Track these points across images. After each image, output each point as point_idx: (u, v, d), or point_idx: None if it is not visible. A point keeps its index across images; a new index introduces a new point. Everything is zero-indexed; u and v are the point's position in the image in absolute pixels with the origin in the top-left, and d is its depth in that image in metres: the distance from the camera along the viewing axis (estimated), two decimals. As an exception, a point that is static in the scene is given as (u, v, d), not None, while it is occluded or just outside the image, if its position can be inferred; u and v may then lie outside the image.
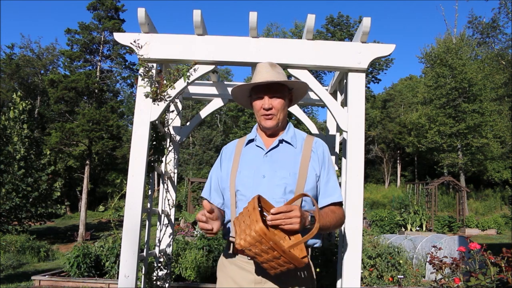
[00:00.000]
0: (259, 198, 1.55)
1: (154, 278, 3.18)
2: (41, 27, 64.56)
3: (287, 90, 1.85)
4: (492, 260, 2.48)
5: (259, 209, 1.55)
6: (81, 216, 18.75)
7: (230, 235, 1.77)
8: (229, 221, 1.79)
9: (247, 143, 1.87)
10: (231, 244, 1.74)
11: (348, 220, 2.44)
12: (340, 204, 1.78)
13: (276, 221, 1.47)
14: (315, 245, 1.74)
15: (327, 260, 3.69)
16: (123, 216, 2.59)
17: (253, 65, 2.97)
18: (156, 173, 3.29)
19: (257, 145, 1.83)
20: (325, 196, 1.75)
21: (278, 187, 1.69)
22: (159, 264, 3.28)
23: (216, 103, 3.51)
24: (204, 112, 3.54)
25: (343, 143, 2.74)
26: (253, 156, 1.80)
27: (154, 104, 2.67)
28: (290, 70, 2.68)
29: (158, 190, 3.60)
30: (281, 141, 1.81)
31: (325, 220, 1.64)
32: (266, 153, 1.79)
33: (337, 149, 3.61)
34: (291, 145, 1.80)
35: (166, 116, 3.44)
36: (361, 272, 3.70)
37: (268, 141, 1.83)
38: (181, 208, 18.53)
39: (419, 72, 50.97)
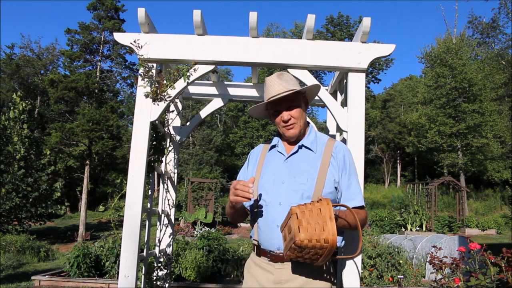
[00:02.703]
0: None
1: (154, 278, 3.18)
2: (41, 27, 64.61)
3: (301, 95, 1.89)
4: (492, 260, 2.48)
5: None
6: (81, 216, 18.74)
7: (253, 238, 1.85)
8: (253, 223, 1.87)
9: (270, 149, 1.92)
10: (255, 246, 1.84)
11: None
12: (362, 207, 1.80)
13: None
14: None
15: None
16: (123, 216, 2.59)
17: (253, 65, 2.97)
18: (156, 173, 3.29)
19: (278, 151, 1.88)
20: (347, 200, 1.78)
21: (296, 193, 1.74)
22: (159, 264, 3.28)
23: (216, 103, 3.51)
24: (204, 112, 3.54)
25: (343, 143, 2.73)
26: (275, 162, 1.86)
27: (154, 104, 2.67)
28: (290, 70, 2.68)
29: (158, 190, 3.60)
30: (300, 147, 1.85)
31: (348, 220, 1.68)
32: (286, 158, 1.83)
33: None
34: (311, 150, 1.83)
35: (166, 116, 3.44)
36: (361, 272, 3.69)
37: (289, 147, 1.88)
38: (181, 208, 18.52)
39: (419, 72, 51.03)
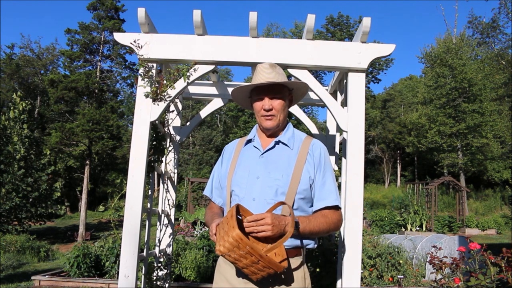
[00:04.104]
0: (238, 207, 1.62)
1: (154, 278, 3.18)
2: (41, 27, 64.64)
3: (287, 91, 1.86)
4: (492, 260, 2.48)
5: (240, 217, 1.63)
6: (81, 216, 18.75)
7: None
8: None
9: (246, 143, 1.88)
10: None
11: (348, 220, 2.43)
12: (335, 207, 1.75)
13: (250, 228, 1.53)
14: (307, 246, 1.75)
15: (327, 260, 3.68)
16: (123, 216, 2.59)
17: (253, 65, 2.97)
18: (156, 173, 3.29)
19: (254, 146, 1.84)
20: (319, 199, 1.74)
21: (270, 189, 1.70)
22: (159, 264, 3.28)
23: (216, 103, 3.51)
24: (204, 112, 3.54)
25: (343, 143, 2.73)
26: (250, 157, 1.82)
27: (154, 104, 2.67)
28: (290, 70, 2.68)
29: (158, 190, 3.60)
30: (277, 142, 1.81)
31: (312, 225, 1.65)
32: (262, 154, 1.80)
33: (337, 149, 3.61)
34: (288, 146, 1.80)
35: (166, 116, 3.44)
36: (361, 272, 3.69)
37: (265, 142, 1.84)
38: (181, 208, 18.52)
39: (419, 72, 51.02)
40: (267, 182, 1.71)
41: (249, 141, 1.87)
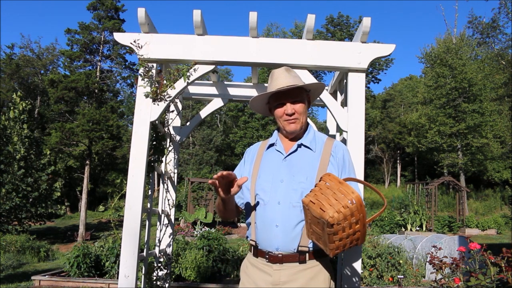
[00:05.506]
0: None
1: (154, 278, 3.18)
2: (41, 27, 64.66)
3: (305, 93, 1.88)
4: (492, 260, 2.48)
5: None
6: (81, 216, 18.74)
7: (250, 238, 1.82)
8: (249, 223, 1.83)
9: (268, 147, 1.89)
10: (252, 247, 1.81)
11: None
12: None
13: None
14: None
15: (327, 260, 3.69)
16: (123, 216, 2.59)
17: (253, 65, 2.97)
18: (156, 173, 3.29)
19: (277, 150, 1.85)
20: None
21: (295, 192, 1.71)
22: (159, 264, 3.27)
23: (216, 103, 3.51)
24: (204, 112, 3.54)
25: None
26: (273, 161, 1.83)
27: (154, 104, 2.67)
28: (290, 70, 2.68)
29: (158, 190, 3.60)
30: (299, 145, 1.82)
31: None
32: (285, 157, 1.81)
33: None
34: (310, 149, 1.81)
35: (166, 116, 3.43)
36: (361, 272, 3.69)
37: (288, 145, 1.85)
38: (181, 208, 18.53)
39: (419, 72, 51.03)
40: (291, 185, 1.73)
41: (271, 145, 1.88)
